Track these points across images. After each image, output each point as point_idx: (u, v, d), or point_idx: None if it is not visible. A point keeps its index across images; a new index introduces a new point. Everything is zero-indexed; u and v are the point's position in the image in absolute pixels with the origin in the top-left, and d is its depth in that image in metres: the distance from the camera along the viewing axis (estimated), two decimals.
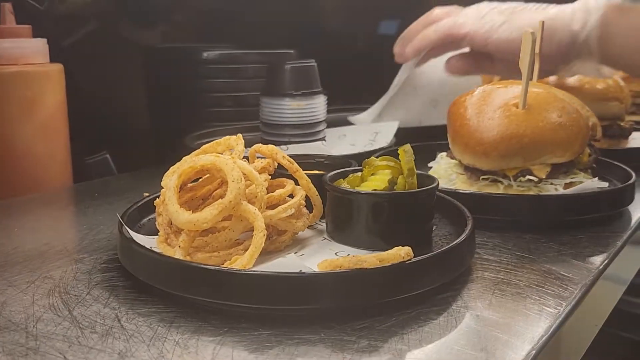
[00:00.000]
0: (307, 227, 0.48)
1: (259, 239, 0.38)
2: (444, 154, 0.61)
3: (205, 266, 0.37)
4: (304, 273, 0.36)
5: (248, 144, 0.76)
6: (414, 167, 0.45)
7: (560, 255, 0.48)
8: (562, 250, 0.49)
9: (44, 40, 0.66)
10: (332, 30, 1.26)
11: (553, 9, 0.66)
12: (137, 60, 0.92)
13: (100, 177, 0.76)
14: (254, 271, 0.36)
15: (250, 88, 0.81)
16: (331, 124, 0.82)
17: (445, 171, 0.59)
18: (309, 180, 0.46)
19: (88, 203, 0.62)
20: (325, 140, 0.77)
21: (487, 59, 0.72)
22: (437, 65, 0.80)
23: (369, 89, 0.92)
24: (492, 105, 0.55)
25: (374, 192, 0.44)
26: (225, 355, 0.33)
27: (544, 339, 0.35)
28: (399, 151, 0.46)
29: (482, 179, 0.55)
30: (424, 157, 0.65)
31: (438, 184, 0.45)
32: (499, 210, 0.53)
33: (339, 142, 0.78)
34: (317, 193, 0.47)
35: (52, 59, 0.67)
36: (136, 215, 0.48)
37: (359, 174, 0.47)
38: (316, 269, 0.37)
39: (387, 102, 0.84)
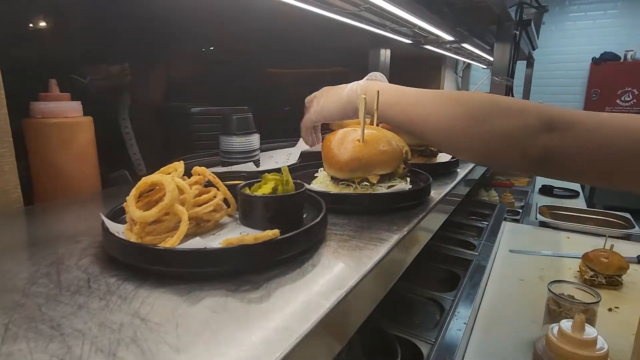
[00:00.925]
0: (229, 216, 0.46)
1: (183, 228, 0.36)
2: (322, 169, 0.59)
3: (143, 245, 0.34)
4: (205, 248, 0.33)
5: (211, 165, 0.74)
6: (290, 179, 0.43)
7: (381, 228, 0.47)
8: (383, 225, 0.48)
9: (79, 102, 0.62)
10: (266, 94, 1.24)
11: (347, 88, 0.65)
12: (148, 113, 0.88)
13: (120, 185, 0.71)
14: (173, 248, 0.34)
15: (215, 129, 0.77)
16: (264, 150, 0.79)
17: (323, 179, 0.58)
18: (226, 187, 0.44)
19: (104, 203, 0.58)
20: (259, 160, 0.74)
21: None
22: None
23: (287, 131, 0.89)
24: (346, 140, 0.54)
25: (262, 195, 0.42)
26: (148, 303, 0.30)
27: (362, 274, 0.34)
28: (282, 169, 0.44)
29: (340, 183, 0.54)
30: (314, 170, 0.63)
31: (304, 189, 0.44)
32: (350, 202, 0.52)
33: (268, 161, 0.76)
34: (231, 195, 0.44)
35: (96, 114, 0.63)
36: (121, 211, 0.45)
37: (259, 183, 0.45)
38: (219, 245, 0.34)
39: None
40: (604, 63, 4.06)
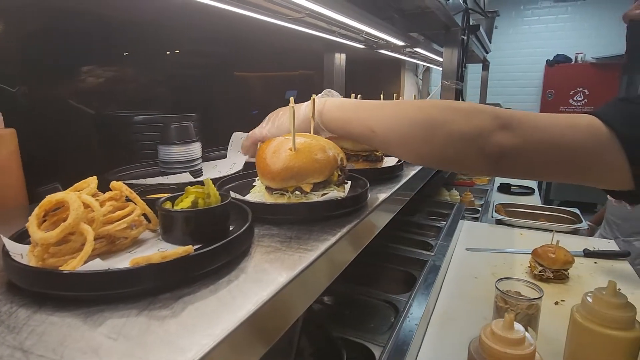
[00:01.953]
0: (152, 231, 0.44)
1: (87, 248, 0.34)
2: (257, 178, 0.58)
3: (37, 268, 0.32)
4: (109, 269, 0.32)
5: (151, 175, 0.71)
6: (212, 192, 0.42)
7: (310, 238, 0.46)
8: (313, 235, 0.47)
9: None
10: (234, 97, 1.22)
11: (303, 105, 0.65)
12: (87, 121, 0.84)
13: None
14: (71, 271, 0.32)
15: (156, 138, 0.74)
16: (207, 159, 0.78)
17: (259, 188, 0.57)
18: (144, 202, 0.42)
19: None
20: (201, 170, 0.72)
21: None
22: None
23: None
24: (280, 149, 0.53)
25: (181, 209, 0.40)
26: (38, 332, 0.28)
27: (288, 278, 0.33)
28: (204, 181, 0.43)
29: (274, 193, 0.53)
30: (253, 179, 0.62)
31: (227, 202, 0.42)
32: (284, 212, 0.51)
33: (212, 171, 0.74)
34: (150, 210, 0.43)
35: (24, 124, 0.60)
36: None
37: (181, 197, 0.43)
38: (127, 265, 0.33)
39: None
40: (557, 65, 4.27)
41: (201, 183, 0.43)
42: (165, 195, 0.46)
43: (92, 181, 0.40)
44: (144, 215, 0.43)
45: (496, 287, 0.93)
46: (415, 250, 1.29)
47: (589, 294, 0.60)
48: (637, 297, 1.10)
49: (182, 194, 0.44)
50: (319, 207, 0.51)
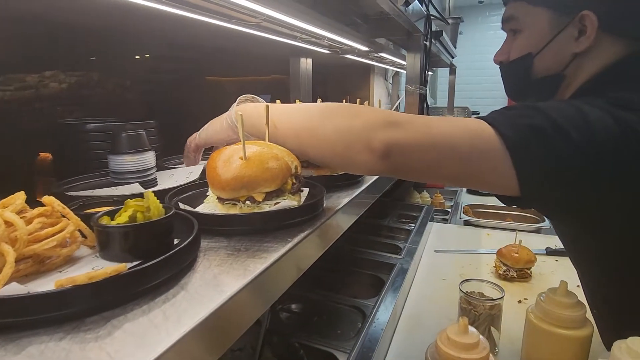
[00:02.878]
0: (90, 248, 0.42)
1: (6, 271, 0.31)
2: None
3: None
4: (27, 293, 0.30)
5: (104, 186, 0.67)
6: (153, 204, 0.40)
7: (260, 249, 0.45)
8: (262, 246, 0.46)
9: None
10: (207, 102, 1.19)
11: (226, 113, 0.67)
12: (40, 130, 0.80)
13: None
14: None
15: (107, 147, 0.71)
16: (163, 167, 0.75)
17: (212, 199, 0.55)
18: (78, 218, 0.40)
19: None
20: (156, 180, 0.70)
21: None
22: None
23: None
24: (231, 159, 0.52)
25: (116, 225, 0.38)
26: None
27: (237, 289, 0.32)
28: (144, 194, 0.41)
29: (226, 203, 0.52)
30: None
31: (168, 216, 0.41)
32: (234, 223, 0.50)
33: (168, 180, 0.71)
34: (85, 226, 0.40)
35: None
36: None
37: (120, 211, 0.41)
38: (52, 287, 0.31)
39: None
40: None
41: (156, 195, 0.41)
42: (106, 208, 0.44)
43: (19, 197, 0.37)
44: (80, 231, 0.40)
45: (460, 288, 0.94)
46: (383, 254, 1.30)
47: (542, 295, 0.62)
48: None
49: (119, 209, 0.42)
50: (271, 217, 0.50)
